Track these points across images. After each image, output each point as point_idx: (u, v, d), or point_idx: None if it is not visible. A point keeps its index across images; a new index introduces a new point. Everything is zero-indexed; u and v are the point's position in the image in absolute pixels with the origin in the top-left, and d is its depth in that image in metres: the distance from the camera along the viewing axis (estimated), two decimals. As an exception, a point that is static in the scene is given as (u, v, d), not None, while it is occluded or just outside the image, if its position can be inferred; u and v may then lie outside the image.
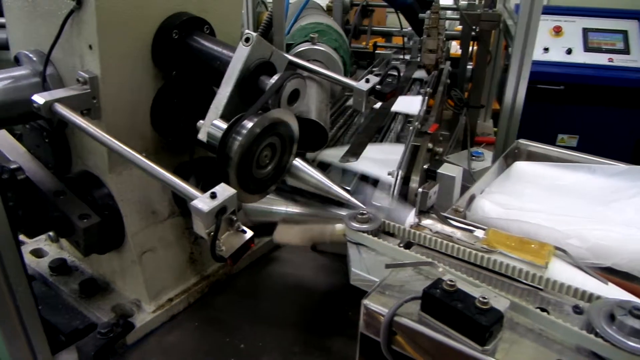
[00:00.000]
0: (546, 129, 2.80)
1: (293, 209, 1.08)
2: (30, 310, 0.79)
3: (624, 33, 2.83)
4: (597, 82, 2.71)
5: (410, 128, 1.25)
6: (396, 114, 1.51)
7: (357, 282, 0.84)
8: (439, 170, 1.10)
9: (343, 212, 1.01)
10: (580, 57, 2.79)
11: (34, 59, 1.12)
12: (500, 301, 0.67)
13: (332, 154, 1.26)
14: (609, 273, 0.90)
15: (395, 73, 1.14)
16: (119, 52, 1.03)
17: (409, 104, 1.47)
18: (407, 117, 1.49)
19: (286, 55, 1.14)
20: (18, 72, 1.11)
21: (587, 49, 2.83)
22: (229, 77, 0.98)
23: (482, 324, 0.64)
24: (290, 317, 1.26)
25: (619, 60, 2.77)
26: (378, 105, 1.46)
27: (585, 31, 2.88)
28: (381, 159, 1.18)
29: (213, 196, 0.79)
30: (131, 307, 1.21)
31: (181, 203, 1.23)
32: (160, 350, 1.16)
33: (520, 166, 1.25)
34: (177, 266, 1.29)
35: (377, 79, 1.11)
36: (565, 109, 2.77)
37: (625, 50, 2.79)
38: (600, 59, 2.77)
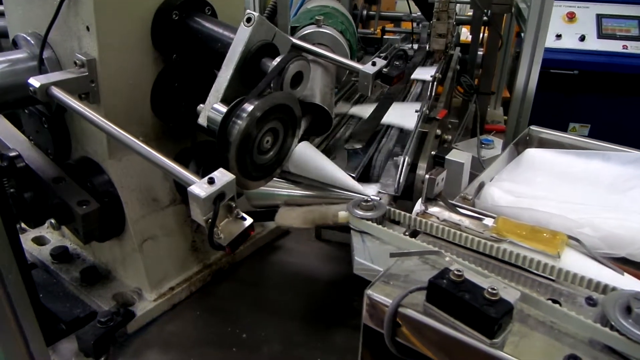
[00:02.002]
0: (557, 118, 2.74)
1: (295, 191, 1.05)
2: (22, 298, 0.77)
3: (639, 19, 2.76)
4: (610, 70, 2.64)
5: (418, 114, 1.22)
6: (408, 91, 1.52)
7: (360, 272, 0.81)
8: (447, 157, 1.07)
9: (346, 193, 0.98)
10: (594, 44, 2.72)
11: (32, 42, 1.09)
12: (510, 292, 0.64)
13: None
14: (623, 263, 0.86)
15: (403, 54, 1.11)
16: (117, 33, 1.00)
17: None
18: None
19: (290, 37, 1.10)
20: (15, 56, 1.08)
21: (601, 35, 2.75)
22: (229, 59, 0.94)
23: (490, 316, 0.61)
24: (293, 307, 1.24)
25: (634, 47, 2.69)
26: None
27: (599, 17, 2.80)
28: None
29: (211, 182, 0.76)
30: (132, 295, 1.20)
31: (183, 190, 1.20)
32: (161, 339, 1.15)
33: (531, 153, 1.21)
34: (179, 254, 1.27)
35: (384, 62, 1.07)
36: (577, 97, 2.71)
37: (640, 37, 2.72)
38: (614, 45, 2.70)
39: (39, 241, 1.39)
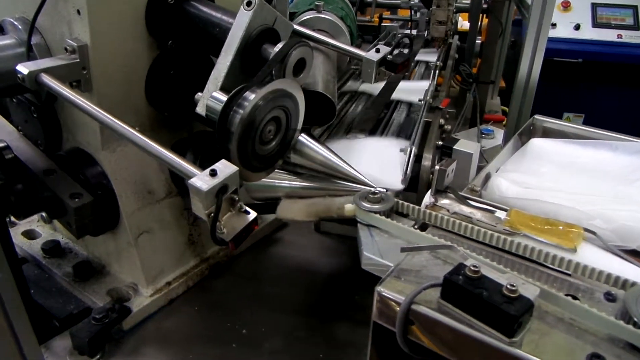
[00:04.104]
0: (551, 107, 2.72)
1: (297, 182, 1.01)
2: (12, 294, 0.74)
3: (634, 8, 2.74)
4: (605, 59, 2.62)
5: (422, 103, 1.18)
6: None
7: (369, 267, 0.78)
8: (455, 147, 1.04)
9: (350, 185, 0.94)
10: (589, 33, 2.70)
11: (20, 27, 1.04)
12: (529, 288, 0.61)
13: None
14: (634, 255, 0.84)
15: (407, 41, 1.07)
16: (109, 18, 0.96)
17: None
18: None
19: (291, 23, 1.06)
20: (2, 42, 1.03)
21: (596, 24, 2.74)
22: (229, 45, 0.90)
23: (510, 314, 0.58)
24: (293, 301, 1.21)
25: (628, 37, 2.68)
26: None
27: (594, 6, 2.78)
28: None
29: (213, 174, 0.72)
30: (128, 291, 1.16)
31: (179, 182, 1.17)
32: (158, 335, 1.11)
33: (536, 143, 1.18)
34: (176, 248, 1.23)
35: (388, 48, 1.04)
36: (571, 86, 2.70)
37: (635, 26, 2.70)
38: (609, 35, 2.68)
39: (30, 235, 1.35)
